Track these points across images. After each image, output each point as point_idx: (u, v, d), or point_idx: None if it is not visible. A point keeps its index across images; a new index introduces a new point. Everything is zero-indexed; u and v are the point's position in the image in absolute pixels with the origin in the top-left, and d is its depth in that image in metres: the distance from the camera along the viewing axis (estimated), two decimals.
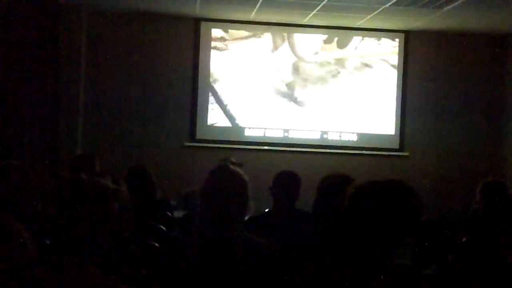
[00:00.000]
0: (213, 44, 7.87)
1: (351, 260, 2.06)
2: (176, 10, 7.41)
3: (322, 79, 8.01)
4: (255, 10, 7.16)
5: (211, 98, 7.90)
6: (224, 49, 7.90)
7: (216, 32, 7.86)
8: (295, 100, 7.97)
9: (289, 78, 7.97)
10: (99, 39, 7.63)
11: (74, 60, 7.35)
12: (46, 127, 6.75)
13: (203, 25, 7.84)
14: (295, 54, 7.97)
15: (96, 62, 7.60)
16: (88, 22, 7.54)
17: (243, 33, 7.91)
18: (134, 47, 7.72)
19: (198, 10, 7.37)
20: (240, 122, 7.96)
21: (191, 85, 7.87)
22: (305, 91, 7.99)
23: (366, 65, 8.07)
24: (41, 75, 6.61)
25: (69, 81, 7.25)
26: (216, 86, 7.90)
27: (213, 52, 7.86)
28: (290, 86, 7.97)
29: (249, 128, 7.97)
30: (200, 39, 7.85)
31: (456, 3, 6.29)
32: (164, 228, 4.09)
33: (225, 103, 7.92)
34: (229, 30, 7.89)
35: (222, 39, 7.90)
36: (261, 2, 6.76)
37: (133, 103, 7.72)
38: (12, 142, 6.35)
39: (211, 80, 7.88)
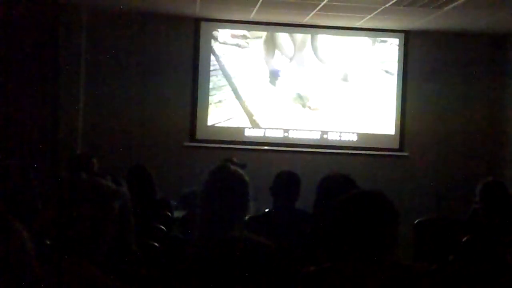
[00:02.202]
0: (235, 41, 7.91)
1: (351, 260, 2.06)
2: (176, 10, 7.40)
3: (330, 82, 8.01)
4: (255, 10, 7.15)
5: (231, 94, 7.91)
6: (245, 47, 7.92)
7: (238, 30, 7.91)
8: (309, 108, 7.99)
9: (305, 84, 7.98)
10: (99, 39, 7.62)
11: (74, 60, 7.35)
12: (46, 127, 6.75)
13: (203, 25, 7.85)
14: (317, 57, 7.98)
15: (96, 62, 7.60)
16: (88, 22, 7.54)
17: (263, 32, 7.96)
18: (134, 47, 7.72)
19: (198, 10, 7.36)
20: (258, 119, 7.95)
21: (191, 84, 7.87)
22: (317, 95, 7.99)
23: (367, 65, 8.07)
24: (41, 75, 6.61)
25: (69, 81, 7.25)
26: (236, 83, 7.92)
27: (234, 49, 7.90)
28: (304, 93, 7.98)
29: (249, 128, 7.97)
30: (200, 39, 7.85)
31: (456, 3, 6.29)
32: (164, 228, 4.09)
33: (243, 98, 7.93)
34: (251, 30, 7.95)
35: (244, 36, 7.92)
36: (261, 2, 6.75)
37: (133, 103, 7.72)
38: (12, 142, 6.35)
39: (232, 76, 7.90)
